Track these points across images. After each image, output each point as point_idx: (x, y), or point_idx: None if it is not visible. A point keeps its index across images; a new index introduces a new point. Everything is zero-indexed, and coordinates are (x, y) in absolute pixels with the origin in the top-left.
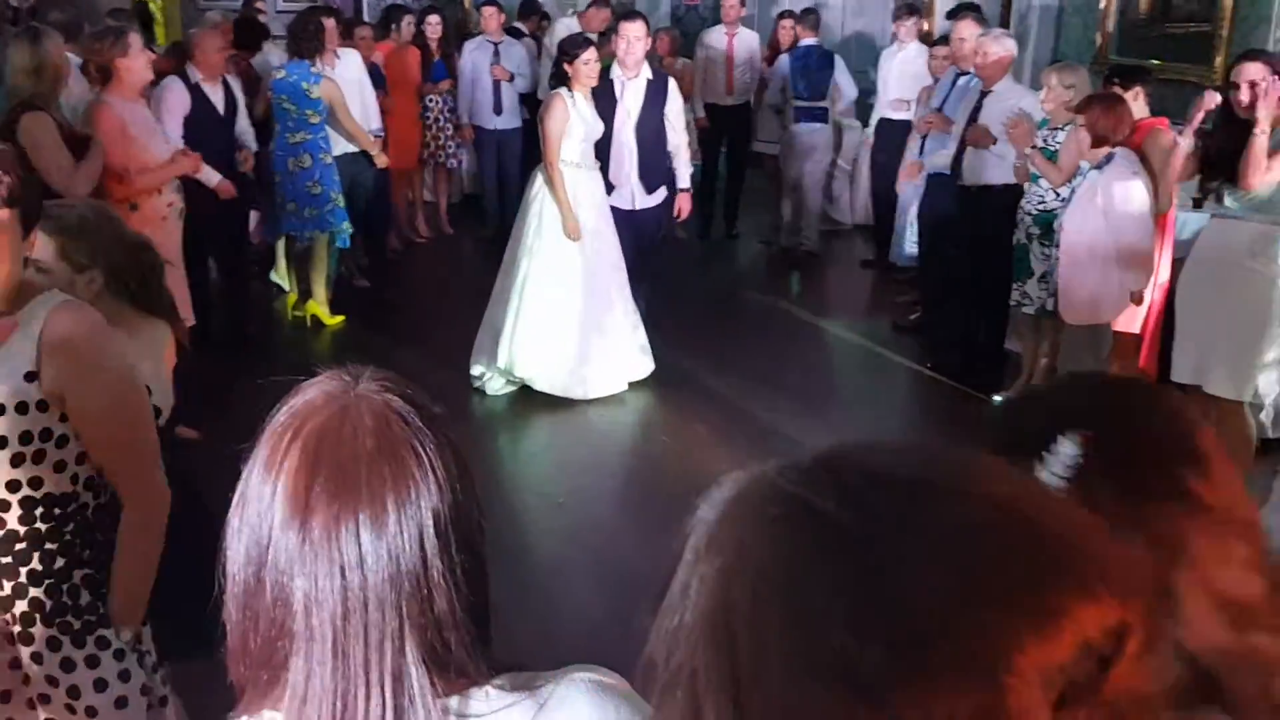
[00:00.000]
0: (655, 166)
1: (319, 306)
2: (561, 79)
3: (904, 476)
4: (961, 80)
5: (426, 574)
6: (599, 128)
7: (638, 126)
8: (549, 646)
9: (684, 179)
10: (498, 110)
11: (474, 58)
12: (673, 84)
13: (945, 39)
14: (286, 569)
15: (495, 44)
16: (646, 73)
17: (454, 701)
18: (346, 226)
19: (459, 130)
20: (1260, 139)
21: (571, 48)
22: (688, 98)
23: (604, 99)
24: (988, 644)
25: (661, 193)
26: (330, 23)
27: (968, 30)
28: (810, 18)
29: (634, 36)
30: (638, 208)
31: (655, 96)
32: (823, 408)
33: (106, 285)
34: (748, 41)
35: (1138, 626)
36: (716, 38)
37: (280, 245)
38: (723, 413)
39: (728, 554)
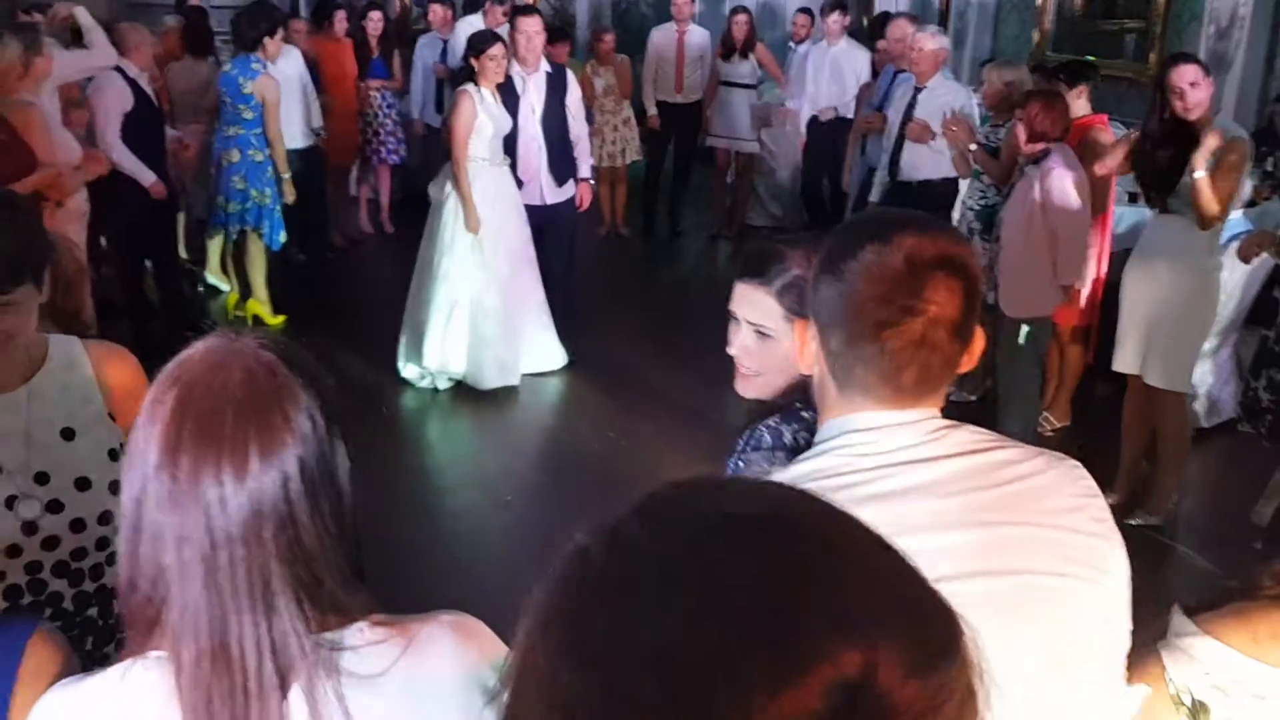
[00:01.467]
0: (563, 159)
1: (260, 305)
2: (469, 75)
3: (698, 512)
4: (900, 78)
5: (292, 515)
6: (507, 123)
7: (543, 120)
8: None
9: (584, 169)
10: (439, 108)
11: (424, 54)
12: (570, 76)
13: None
14: (159, 509)
15: (444, 40)
16: (545, 66)
17: (329, 635)
18: (269, 228)
19: (409, 126)
20: (1201, 180)
21: (479, 43)
22: (627, 94)
23: (507, 96)
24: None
25: (571, 185)
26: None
27: (903, 29)
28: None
29: (532, 31)
30: (549, 202)
31: (556, 89)
32: None
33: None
34: (698, 39)
35: (887, 662)
36: (666, 35)
37: (213, 244)
38: (669, 410)
39: (527, 615)
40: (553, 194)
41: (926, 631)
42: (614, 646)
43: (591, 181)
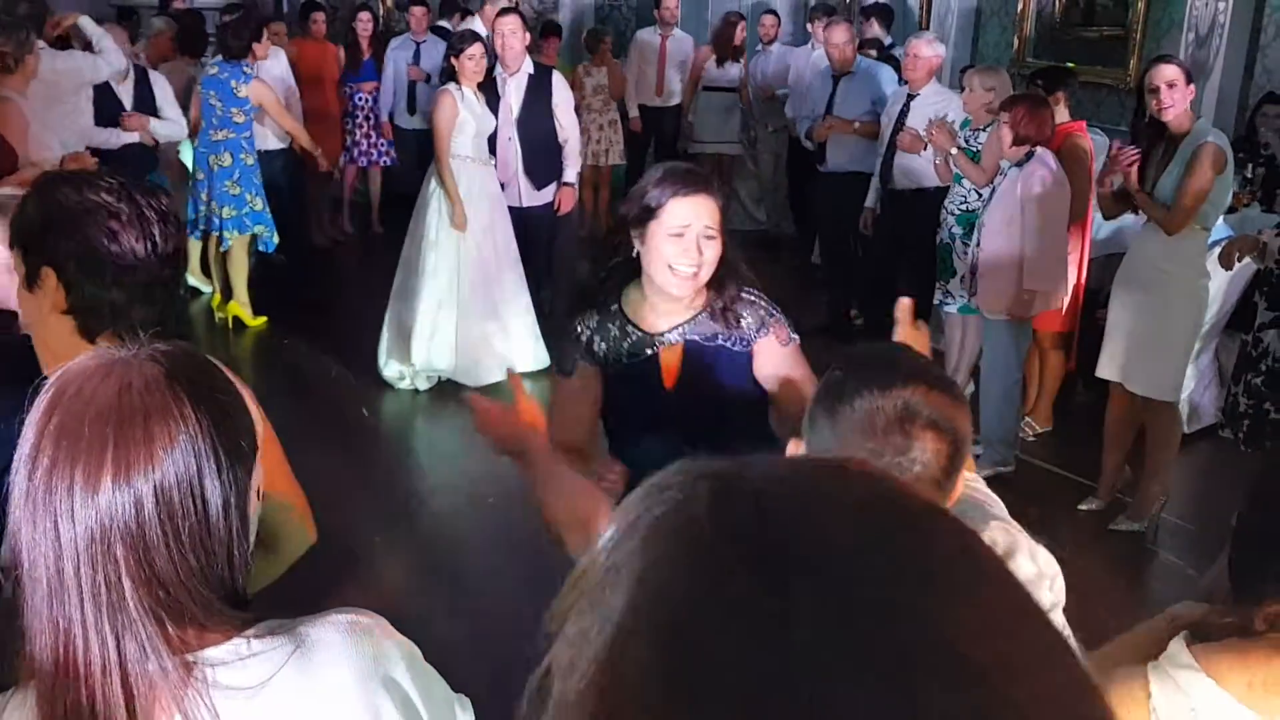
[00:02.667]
0: (543, 163)
1: (240, 308)
2: (451, 75)
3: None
4: (844, 81)
5: (144, 536)
6: (490, 121)
7: (520, 123)
8: (482, 646)
9: (569, 174)
10: (411, 110)
11: (395, 56)
12: (558, 77)
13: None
14: (16, 513)
15: (418, 43)
16: (528, 67)
17: (203, 654)
18: (262, 230)
19: (379, 127)
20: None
21: (458, 43)
22: (618, 96)
23: (489, 97)
24: None
25: (551, 189)
26: (279, 27)
27: (843, 34)
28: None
29: (509, 31)
30: (525, 204)
31: (538, 91)
32: None
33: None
34: (681, 43)
35: None
36: (650, 38)
37: (194, 246)
38: None
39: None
40: (530, 197)
41: None
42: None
43: (574, 186)
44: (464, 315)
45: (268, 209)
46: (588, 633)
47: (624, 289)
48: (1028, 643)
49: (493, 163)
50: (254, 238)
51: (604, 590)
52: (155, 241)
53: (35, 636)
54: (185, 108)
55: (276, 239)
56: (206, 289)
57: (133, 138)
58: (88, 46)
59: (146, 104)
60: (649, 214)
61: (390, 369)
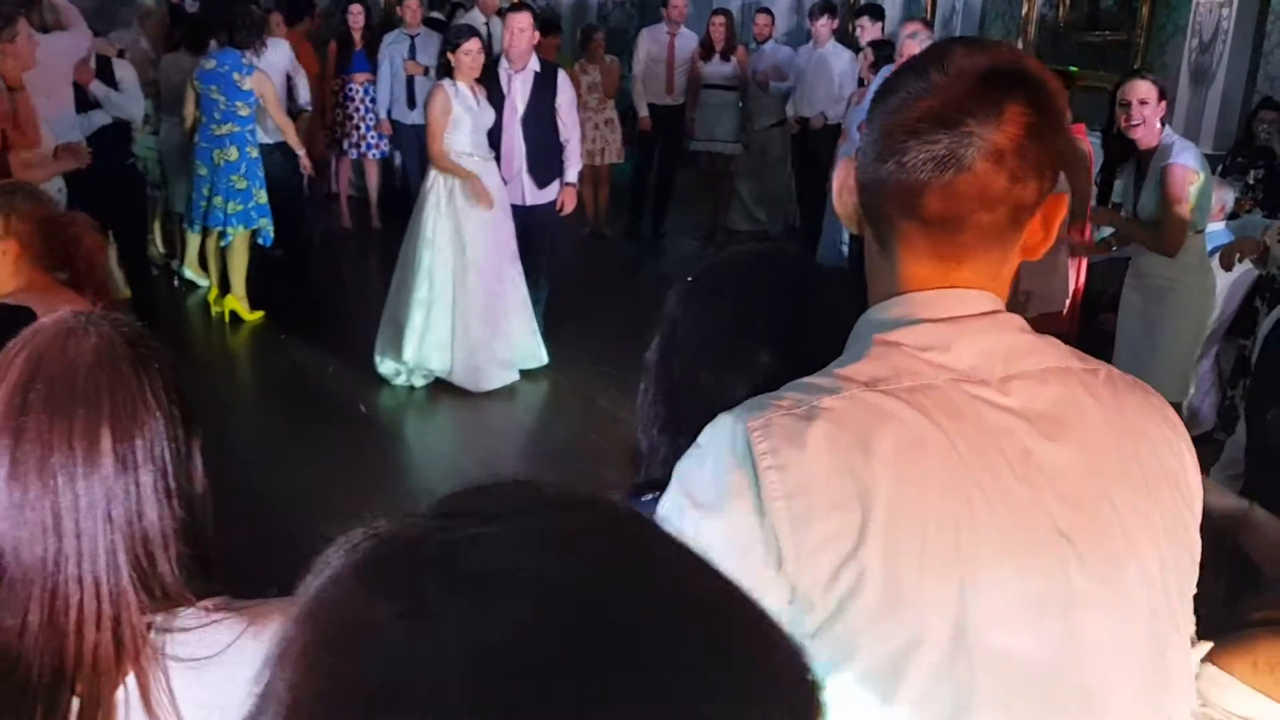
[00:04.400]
0: (547, 161)
1: (238, 302)
2: (446, 69)
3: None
4: None
5: (139, 494)
6: (489, 116)
7: (524, 120)
8: None
9: (571, 174)
10: (411, 104)
11: (390, 51)
12: (563, 76)
13: (881, 43)
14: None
15: (412, 36)
16: (534, 65)
17: (159, 618)
18: (266, 223)
19: (380, 124)
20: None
21: (455, 37)
22: (611, 94)
23: (493, 93)
24: None
25: (554, 188)
26: (278, 17)
27: (907, 30)
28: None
29: (518, 28)
30: (529, 203)
31: (543, 89)
32: None
33: (25, 257)
34: (688, 41)
35: None
36: (658, 37)
37: (192, 239)
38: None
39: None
40: (533, 195)
41: None
42: None
43: (576, 186)
44: (461, 315)
45: (269, 202)
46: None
47: None
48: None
49: (493, 156)
50: (253, 232)
51: (274, 681)
52: None
53: (20, 596)
54: (182, 101)
55: (273, 232)
56: (204, 283)
57: (105, 119)
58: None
59: (106, 83)
60: None
61: (385, 365)
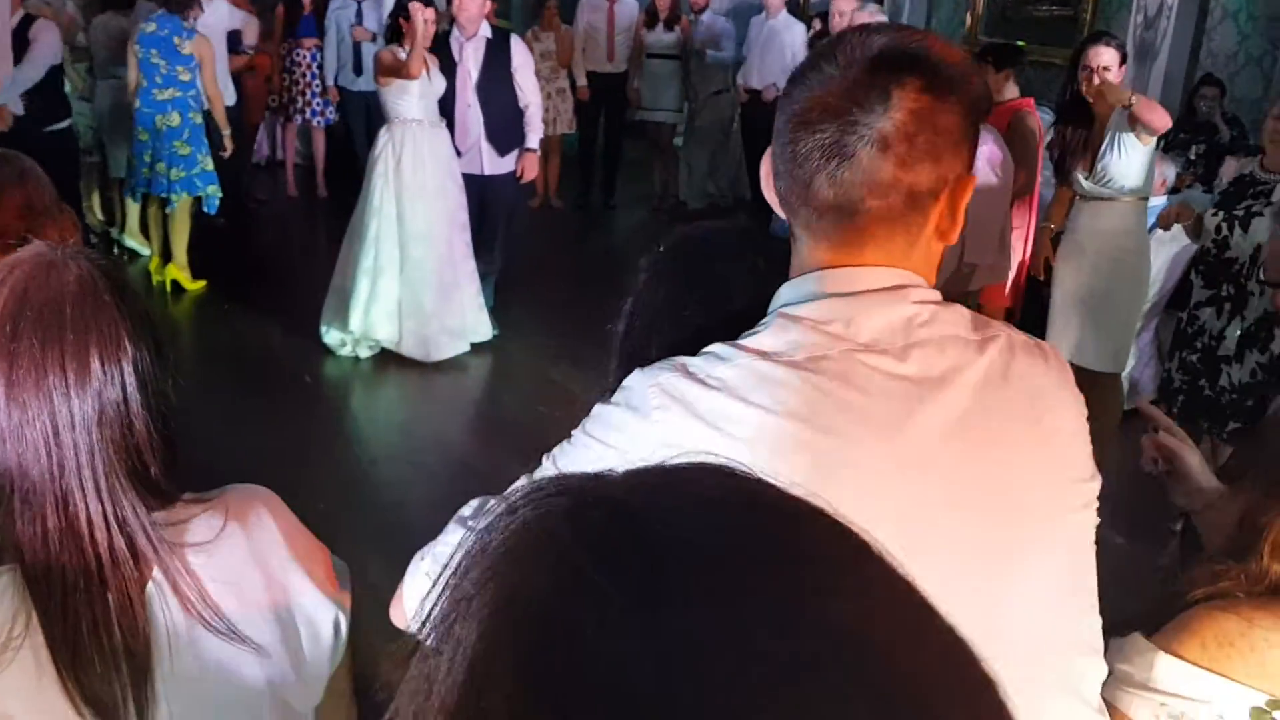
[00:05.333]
0: (506, 128)
1: (180, 270)
2: (396, 35)
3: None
4: None
5: (128, 406)
6: (439, 84)
7: (479, 88)
8: None
9: (532, 140)
10: (358, 71)
11: (337, 16)
12: (517, 40)
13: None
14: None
15: (359, 1)
16: (485, 32)
17: (161, 515)
18: (213, 190)
19: (326, 90)
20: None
21: (406, 2)
22: (566, 63)
23: (445, 62)
24: None
25: (513, 156)
26: None
27: (847, 4)
28: None
29: None
30: (488, 172)
31: (496, 55)
32: None
33: None
34: (628, 8)
35: None
36: (597, 3)
37: (133, 206)
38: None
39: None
40: (493, 164)
41: None
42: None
43: (538, 153)
44: (408, 284)
45: (215, 169)
46: (433, 675)
47: None
48: (912, 631)
49: (444, 123)
50: (197, 199)
51: (452, 624)
52: None
53: (34, 507)
54: (118, 62)
55: (216, 191)
56: (145, 251)
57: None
58: None
59: (22, 42)
60: None
61: (330, 335)
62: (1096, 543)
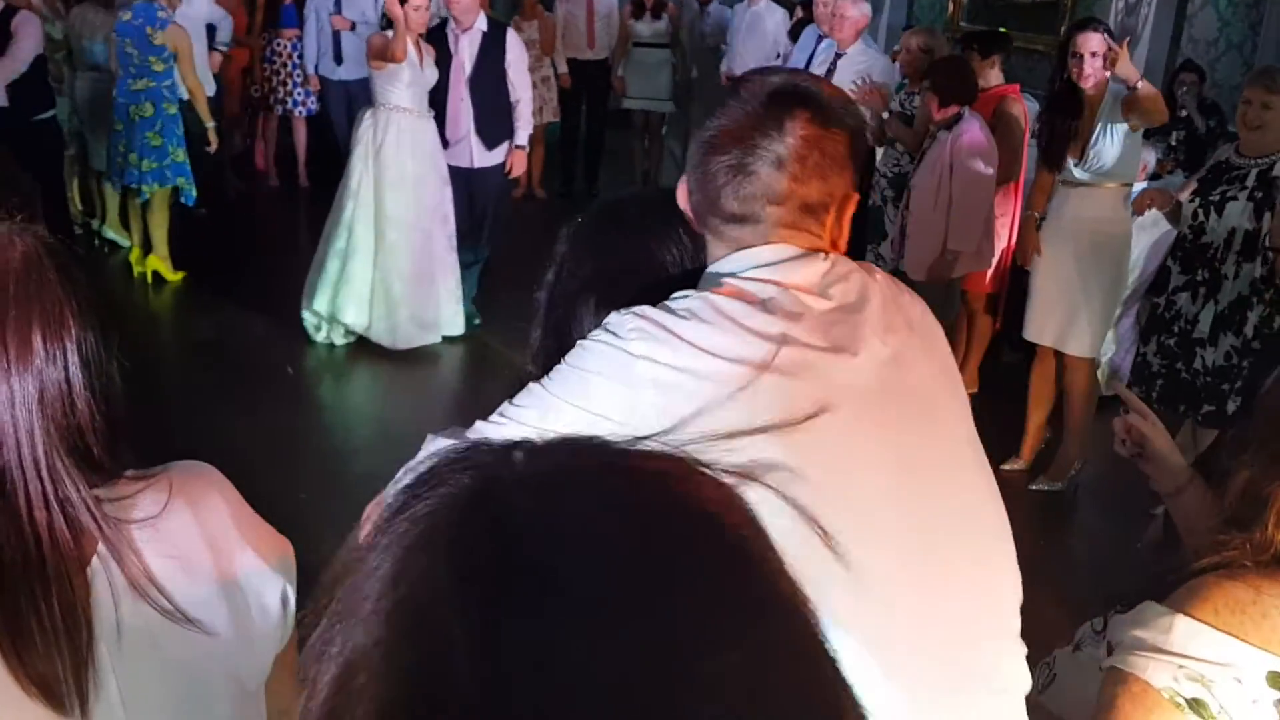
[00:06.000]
0: (496, 121)
1: (160, 261)
2: (391, 24)
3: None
4: (824, 44)
5: (69, 385)
6: (430, 75)
7: (472, 80)
8: None
9: (521, 136)
10: (338, 60)
11: (316, 5)
12: (512, 35)
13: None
14: None
15: None
16: (481, 24)
17: (101, 491)
18: (184, 183)
19: (307, 80)
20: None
21: None
22: (550, 51)
23: (440, 54)
24: None
25: (502, 150)
26: None
27: None
28: None
29: None
30: (477, 164)
31: (491, 48)
32: None
33: None
34: None
35: None
36: None
37: (113, 197)
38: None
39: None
40: (482, 157)
41: None
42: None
43: (526, 148)
44: (381, 271)
45: (189, 161)
46: (329, 648)
47: None
48: (770, 645)
49: (431, 115)
50: (175, 190)
51: (356, 600)
52: None
53: None
54: (97, 56)
55: (195, 192)
56: (126, 242)
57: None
58: None
59: (3, 33)
60: None
61: (308, 316)
62: (1080, 532)
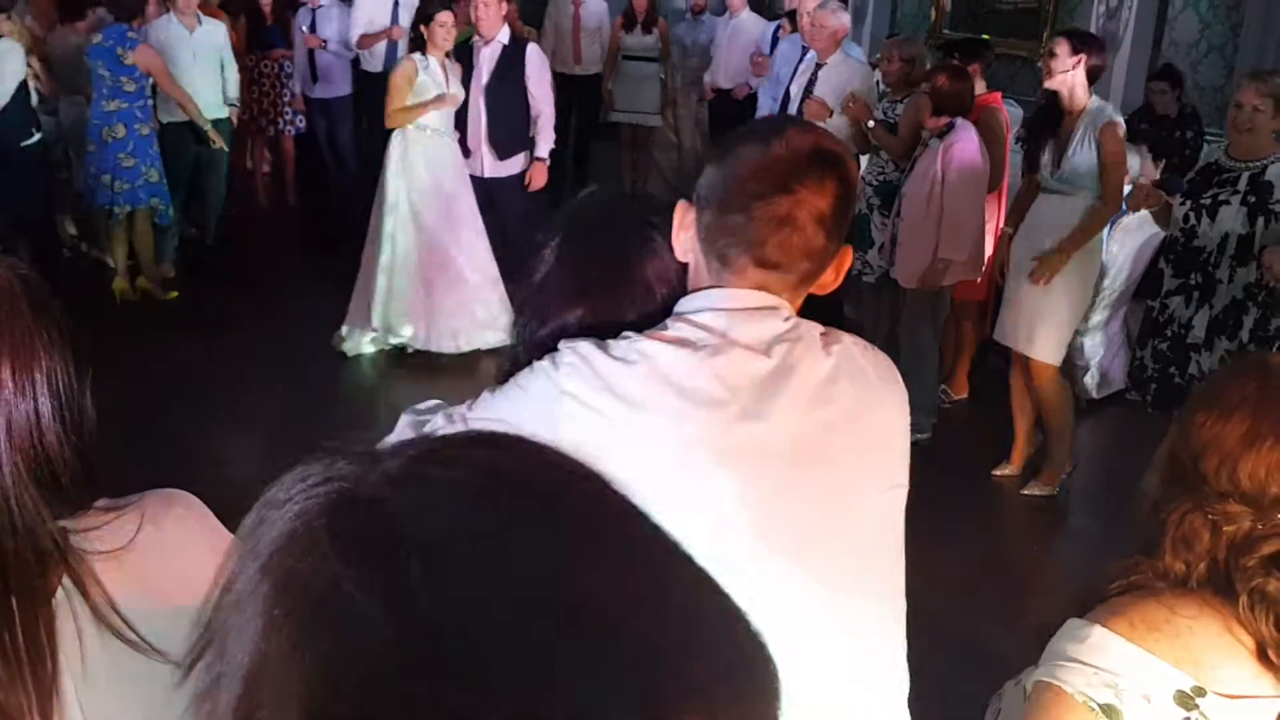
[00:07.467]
0: (509, 133)
1: (149, 282)
2: (419, 43)
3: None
4: (809, 55)
5: (38, 417)
6: (458, 92)
7: (488, 91)
8: None
9: (541, 149)
10: (314, 79)
11: (300, 26)
12: (533, 48)
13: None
14: None
15: (314, 10)
16: (503, 37)
17: (69, 523)
18: (157, 203)
19: (293, 99)
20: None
21: (427, 8)
22: None
23: (466, 67)
24: None
25: (517, 161)
26: None
27: (810, 2)
28: None
29: (484, 1)
30: (487, 174)
31: (511, 62)
32: None
33: None
34: (595, 10)
35: None
36: (563, 5)
37: (104, 220)
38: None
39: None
40: (492, 167)
41: (760, 688)
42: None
43: (547, 162)
44: (425, 285)
45: (165, 181)
46: (219, 680)
47: None
48: (655, 592)
49: (457, 137)
50: (151, 210)
51: (229, 633)
52: None
53: None
54: (77, 78)
55: (172, 212)
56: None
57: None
58: None
59: None
60: None
61: (352, 339)
62: (1071, 537)
